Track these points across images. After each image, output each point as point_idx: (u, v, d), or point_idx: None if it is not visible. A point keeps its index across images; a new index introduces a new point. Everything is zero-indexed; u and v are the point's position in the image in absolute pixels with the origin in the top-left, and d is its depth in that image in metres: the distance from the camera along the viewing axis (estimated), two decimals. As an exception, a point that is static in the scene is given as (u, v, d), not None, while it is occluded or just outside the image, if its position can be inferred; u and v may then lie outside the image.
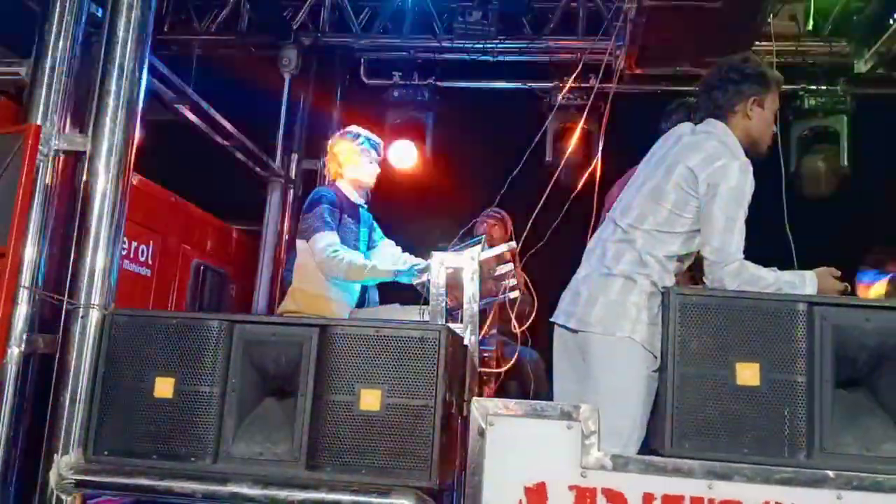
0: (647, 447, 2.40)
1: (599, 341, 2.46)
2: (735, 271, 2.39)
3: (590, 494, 2.13)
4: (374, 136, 3.93)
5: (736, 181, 2.42)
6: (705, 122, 2.67)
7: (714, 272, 2.42)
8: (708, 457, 2.17)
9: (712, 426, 2.21)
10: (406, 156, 5.53)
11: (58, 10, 2.86)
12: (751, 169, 2.48)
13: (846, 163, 5.36)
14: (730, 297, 2.33)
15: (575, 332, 2.54)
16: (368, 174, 3.87)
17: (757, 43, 4.64)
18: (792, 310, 2.25)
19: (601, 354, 2.45)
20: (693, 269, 2.73)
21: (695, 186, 2.47)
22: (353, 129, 3.94)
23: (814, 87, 5.44)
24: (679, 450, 2.20)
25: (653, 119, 3.84)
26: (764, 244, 2.69)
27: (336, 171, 3.88)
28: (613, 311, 2.46)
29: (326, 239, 3.58)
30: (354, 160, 3.82)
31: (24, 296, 2.54)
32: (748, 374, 2.23)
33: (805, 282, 2.46)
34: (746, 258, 2.45)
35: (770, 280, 2.41)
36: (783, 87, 2.79)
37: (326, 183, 4.16)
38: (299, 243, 3.76)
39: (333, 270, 3.59)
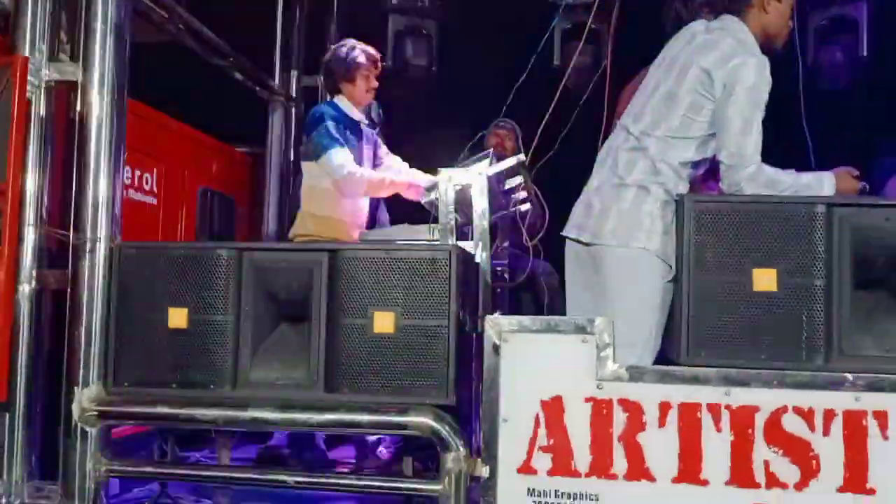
0: (663, 357, 2.39)
1: (613, 253, 2.42)
2: (752, 175, 2.32)
3: (606, 406, 2.14)
4: (370, 50, 3.79)
5: (752, 81, 2.32)
6: (720, 18, 2.53)
7: (731, 176, 2.35)
8: (725, 364, 2.16)
9: (729, 333, 2.20)
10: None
11: (35, -70, 2.71)
12: (768, 66, 2.37)
13: (865, 53, 5.16)
14: (745, 202, 2.28)
15: (588, 245, 2.50)
16: (365, 91, 3.76)
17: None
18: (810, 212, 2.19)
19: (615, 266, 2.42)
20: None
21: (710, 88, 2.37)
22: (349, 42, 3.80)
23: (832, -27, 5.17)
24: (695, 358, 2.19)
25: (665, 16, 3.67)
26: (780, 141, 2.61)
27: (333, 88, 3.78)
28: (627, 221, 2.41)
29: (340, 155, 3.51)
30: (350, 76, 3.70)
31: (29, 232, 2.52)
32: (765, 279, 2.20)
33: (823, 183, 2.39)
34: (763, 159, 2.38)
35: (788, 183, 2.34)
36: (799, -25, 2.64)
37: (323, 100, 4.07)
38: (305, 165, 3.70)
39: (353, 187, 3.54)
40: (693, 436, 2.11)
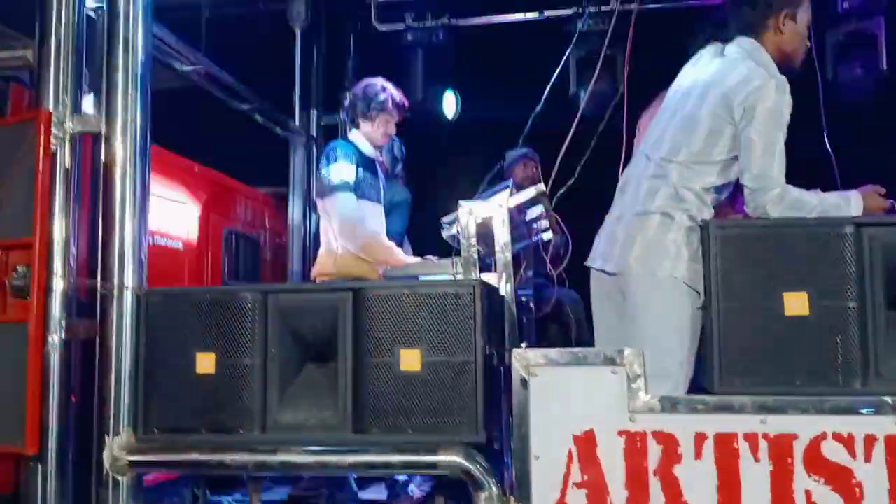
0: (696, 386, 2.35)
1: (640, 282, 2.39)
2: (777, 197, 2.30)
3: (640, 438, 2.10)
4: (398, 96, 3.74)
5: (773, 102, 2.30)
6: (735, 41, 2.52)
7: (755, 199, 2.32)
8: (759, 391, 2.12)
9: (762, 360, 2.16)
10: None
11: (55, -14, 2.78)
12: (787, 87, 2.35)
13: (885, 67, 5.11)
14: (771, 225, 2.26)
15: (613, 274, 2.48)
16: (382, 134, 3.72)
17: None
18: (839, 233, 2.16)
19: (643, 296, 2.39)
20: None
21: (730, 112, 2.35)
22: (381, 82, 3.75)
23: (847, -11, 5.15)
24: (729, 387, 2.15)
25: (680, 39, 3.67)
26: (803, 160, 2.58)
27: (352, 120, 3.76)
28: (652, 250, 2.38)
29: (346, 203, 3.47)
30: (371, 116, 3.69)
31: (57, 283, 2.54)
32: (796, 303, 2.16)
33: (850, 203, 2.36)
34: (787, 180, 2.35)
35: (814, 203, 2.31)
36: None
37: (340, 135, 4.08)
38: (320, 203, 3.68)
39: (350, 241, 3.48)
40: (731, 467, 2.06)
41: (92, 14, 2.89)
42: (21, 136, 2.51)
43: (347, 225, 3.46)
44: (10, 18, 3.92)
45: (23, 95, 2.93)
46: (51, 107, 2.66)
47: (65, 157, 2.66)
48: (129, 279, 2.56)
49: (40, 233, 2.43)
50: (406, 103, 3.80)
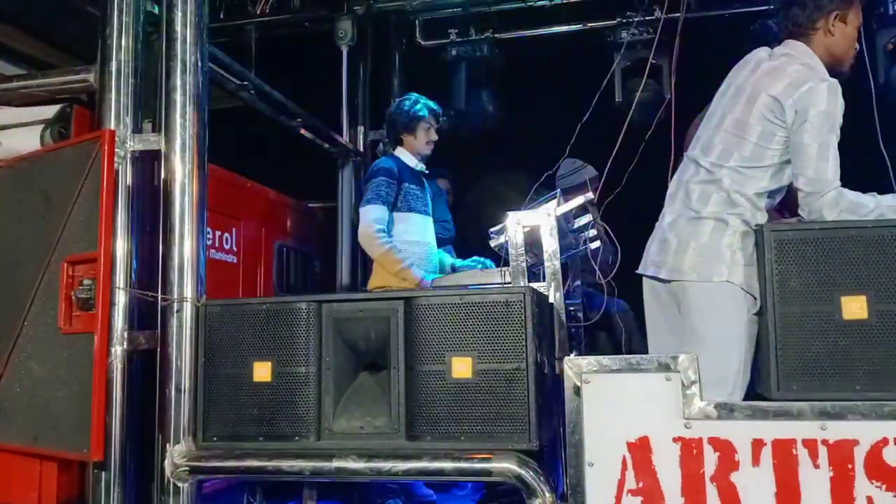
0: (751, 393, 2.32)
1: (696, 288, 2.37)
2: (833, 200, 2.26)
3: (696, 445, 2.08)
4: (431, 104, 3.87)
5: (826, 104, 2.27)
6: (783, 43, 2.50)
7: (811, 203, 2.29)
8: (818, 397, 2.08)
9: (820, 365, 2.13)
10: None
11: (116, 12, 2.90)
12: (839, 89, 2.32)
13: (940, 67, 4.98)
14: (828, 228, 2.22)
15: (667, 281, 2.46)
16: (425, 143, 3.83)
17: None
18: (897, 235, 2.12)
19: (699, 302, 2.36)
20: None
21: (781, 115, 2.32)
22: (412, 96, 3.90)
23: (898, -10, 5.04)
24: (787, 392, 2.13)
25: (726, 46, 3.64)
26: (857, 163, 2.54)
27: (395, 139, 3.87)
28: (707, 255, 2.36)
29: (375, 213, 3.56)
30: (412, 128, 3.79)
31: (120, 296, 2.64)
32: (855, 307, 2.13)
33: (907, 204, 2.30)
34: (842, 183, 2.31)
35: (871, 206, 2.27)
36: (863, -5, 2.58)
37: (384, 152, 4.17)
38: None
39: (369, 246, 3.57)
40: (789, 474, 2.03)
41: (150, 28, 3.01)
42: (85, 156, 2.61)
43: (367, 235, 3.53)
44: (73, 44, 4.10)
45: (85, 117, 3.04)
46: (112, 126, 2.77)
47: (126, 175, 2.77)
48: (189, 291, 2.64)
49: (104, 248, 2.52)
50: (440, 110, 3.90)
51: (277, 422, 2.46)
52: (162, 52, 2.82)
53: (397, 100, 4.01)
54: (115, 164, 2.67)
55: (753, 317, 2.32)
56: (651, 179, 3.24)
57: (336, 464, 2.39)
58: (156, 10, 3.03)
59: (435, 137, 3.87)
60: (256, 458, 2.46)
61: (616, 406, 2.15)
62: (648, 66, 4.01)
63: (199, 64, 2.81)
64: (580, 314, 3.56)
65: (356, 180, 5.11)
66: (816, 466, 2.01)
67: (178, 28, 2.78)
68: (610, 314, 3.87)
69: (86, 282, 2.53)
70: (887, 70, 5.05)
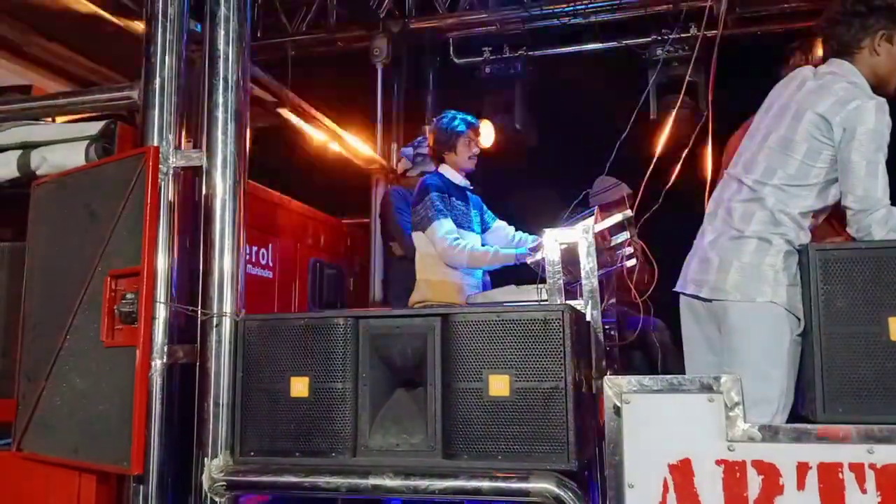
0: (795, 414, 2.27)
1: (739, 308, 2.33)
2: (883, 218, 2.22)
3: (739, 468, 2.04)
4: (469, 118, 3.91)
5: (874, 122, 2.24)
6: (828, 62, 2.47)
7: (860, 221, 2.25)
8: (864, 420, 2.05)
9: (867, 387, 2.09)
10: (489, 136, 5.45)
11: (160, 30, 2.95)
12: (887, 107, 2.28)
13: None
14: (875, 247, 2.18)
15: (708, 300, 2.43)
16: (467, 157, 3.87)
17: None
18: (948, 254, 2.07)
19: (742, 322, 2.32)
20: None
21: (828, 133, 2.29)
22: (449, 113, 3.93)
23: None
24: (832, 415, 2.08)
25: (763, 63, 3.61)
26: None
27: (438, 157, 3.91)
28: (750, 275, 2.32)
29: (444, 227, 3.60)
30: (452, 144, 3.83)
31: (160, 310, 2.67)
32: (903, 328, 2.08)
33: (957, 222, 2.25)
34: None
35: (920, 224, 2.22)
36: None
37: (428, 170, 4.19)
38: (415, 235, 3.80)
39: (455, 259, 3.61)
40: (836, 498, 1.99)
41: (193, 46, 3.06)
42: (129, 172, 2.66)
43: (445, 251, 3.56)
44: (117, 62, 4.19)
45: (129, 133, 3.10)
46: (155, 143, 2.82)
47: (168, 191, 2.81)
48: (228, 306, 2.66)
49: (147, 263, 2.55)
50: (479, 123, 3.93)
51: (314, 437, 2.46)
52: (204, 69, 2.87)
53: (434, 119, 4.04)
54: (159, 180, 2.70)
55: (797, 338, 2.28)
56: (687, 197, 3.22)
57: (372, 481, 2.39)
58: (198, 29, 3.09)
59: (477, 150, 3.91)
60: (293, 474, 2.46)
61: (657, 427, 2.12)
62: (686, 83, 3.99)
63: (241, 82, 2.85)
64: (615, 333, 3.53)
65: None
66: (864, 491, 1.97)
67: (221, 46, 2.82)
68: (646, 333, 3.84)
69: (128, 296, 2.56)
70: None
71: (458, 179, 3.87)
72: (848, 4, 2.45)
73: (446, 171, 3.87)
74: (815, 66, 2.51)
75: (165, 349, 2.67)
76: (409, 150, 5.24)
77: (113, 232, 2.66)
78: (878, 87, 2.42)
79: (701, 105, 4.73)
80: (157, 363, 2.65)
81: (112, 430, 2.56)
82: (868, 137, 2.24)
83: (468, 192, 3.89)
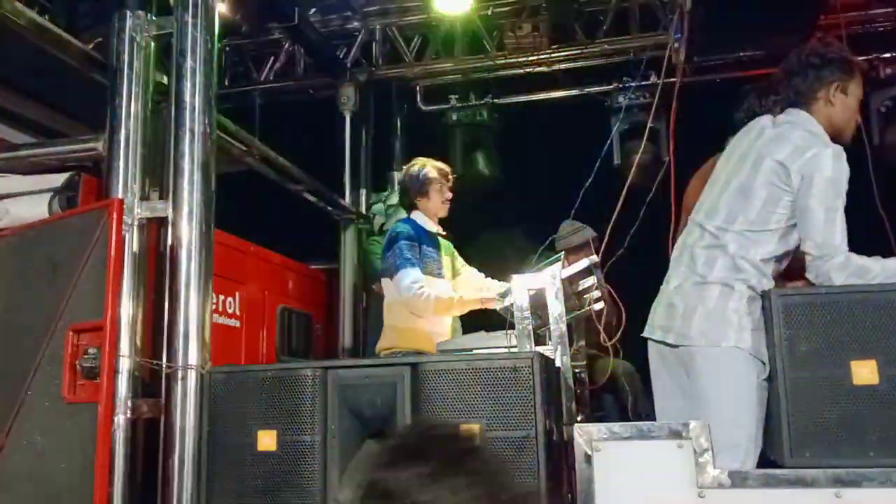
0: (763, 460, 2.29)
1: (705, 354, 2.35)
2: (841, 265, 2.27)
3: (710, 515, 2.04)
4: (439, 164, 3.93)
5: (831, 171, 2.30)
6: (786, 111, 2.54)
7: (819, 267, 2.30)
8: (832, 464, 2.06)
9: (832, 431, 2.11)
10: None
11: (125, 82, 2.96)
12: (844, 155, 2.35)
13: (932, 129, 5.07)
14: (835, 292, 2.22)
15: (674, 346, 2.45)
16: (440, 202, 3.88)
17: (823, 16, 4.45)
18: (905, 299, 2.12)
19: (707, 367, 2.34)
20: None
21: (787, 180, 2.35)
22: (419, 161, 3.96)
23: (888, 55, 5.17)
24: (800, 459, 2.10)
25: (721, 109, 3.71)
26: (856, 226, 2.56)
27: (409, 204, 3.92)
28: (715, 320, 2.35)
29: (410, 276, 3.59)
30: (424, 191, 3.84)
31: (124, 364, 2.62)
32: (865, 371, 2.12)
33: (911, 268, 2.31)
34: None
35: (877, 270, 2.27)
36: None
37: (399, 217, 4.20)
38: (384, 281, 3.79)
39: (420, 307, 3.59)
40: (806, 543, 1.99)
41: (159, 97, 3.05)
42: (93, 224, 2.63)
43: (414, 296, 3.55)
44: (81, 111, 4.15)
45: (93, 184, 3.07)
46: (120, 195, 2.80)
47: (133, 242, 2.78)
48: (194, 358, 2.62)
49: (111, 317, 2.52)
50: (449, 169, 3.95)
51: (282, 493, 2.41)
52: (171, 120, 2.87)
53: (405, 167, 4.05)
54: (123, 232, 2.68)
55: (763, 382, 2.30)
56: (652, 241, 3.27)
57: (342, 536, 2.34)
58: (164, 80, 3.09)
59: (449, 196, 3.92)
60: (260, 532, 2.40)
61: (628, 474, 2.12)
62: (647, 130, 4.09)
63: (208, 132, 2.85)
64: (584, 376, 3.54)
65: (358, 242, 5.14)
66: (833, 535, 1.98)
67: (188, 98, 2.83)
68: (615, 376, 3.85)
69: (91, 350, 2.51)
70: (881, 131, 5.15)
71: (430, 226, 3.87)
72: (803, 56, 2.53)
73: (418, 217, 3.87)
74: (773, 114, 2.58)
75: (129, 403, 2.62)
76: (380, 206, 5.27)
77: (75, 285, 2.62)
78: (834, 136, 2.49)
79: (662, 151, 4.83)
80: (121, 418, 2.60)
81: (73, 488, 2.49)
82: (826, 185, 2.30)
83: (439, 238, 3.90)
